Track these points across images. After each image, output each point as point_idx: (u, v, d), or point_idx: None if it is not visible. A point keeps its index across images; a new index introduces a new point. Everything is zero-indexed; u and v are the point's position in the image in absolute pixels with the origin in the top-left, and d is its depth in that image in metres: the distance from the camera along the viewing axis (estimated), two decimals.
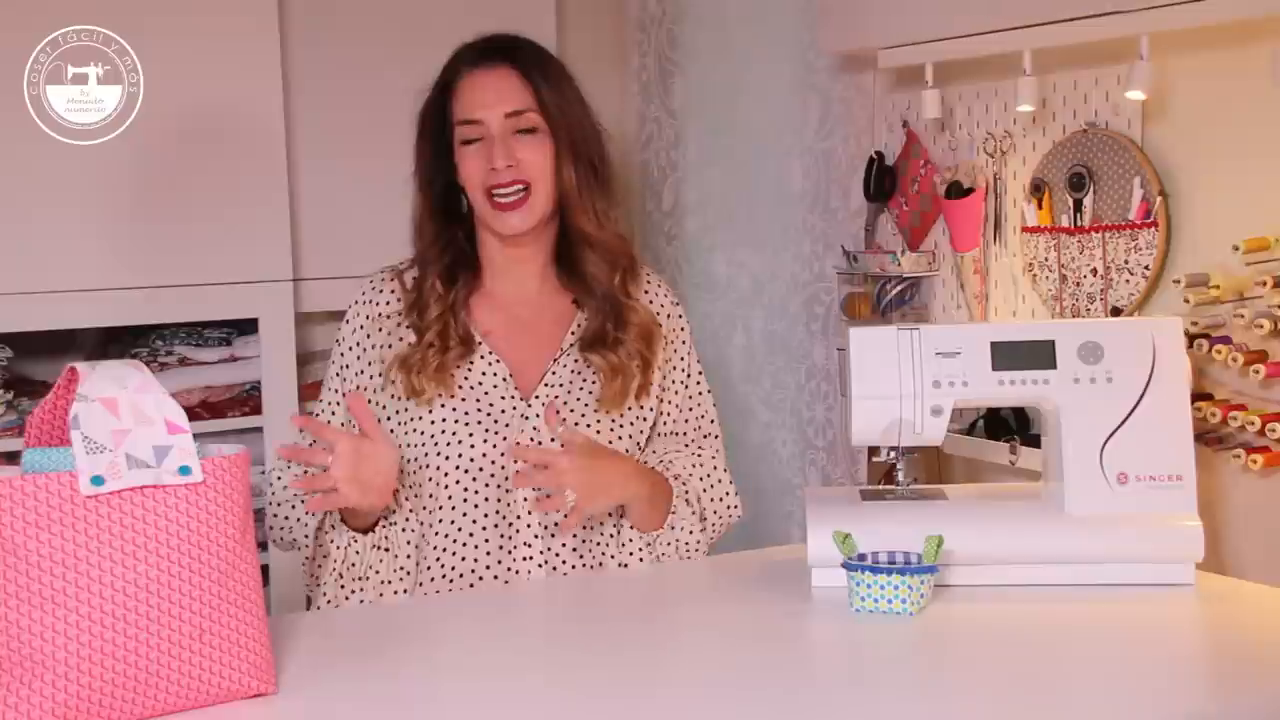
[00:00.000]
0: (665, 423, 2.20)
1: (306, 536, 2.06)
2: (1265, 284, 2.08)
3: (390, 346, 2.11)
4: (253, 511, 1.56)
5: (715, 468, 2.21)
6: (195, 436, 1.50)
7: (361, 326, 2.15)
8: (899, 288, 2.74)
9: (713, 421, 2.27)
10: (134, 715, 1.44)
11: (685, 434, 2.23)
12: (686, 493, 2.14)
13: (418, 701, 1.55)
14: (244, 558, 1.52)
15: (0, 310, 2.82)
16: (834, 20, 2.78)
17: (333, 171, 3.10)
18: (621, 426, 2.11)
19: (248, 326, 3.10)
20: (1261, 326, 2.10)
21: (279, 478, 2.12)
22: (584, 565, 2.08)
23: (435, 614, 1.90)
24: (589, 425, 2.09)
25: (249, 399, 3.11)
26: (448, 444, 2.06)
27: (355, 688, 1.59)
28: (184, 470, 1.47)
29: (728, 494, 2.21)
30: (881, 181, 2.83)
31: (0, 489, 1.39)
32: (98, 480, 1.42)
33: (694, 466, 2.18)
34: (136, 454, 1.45)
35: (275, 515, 2.12)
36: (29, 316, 2.86)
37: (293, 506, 2.09)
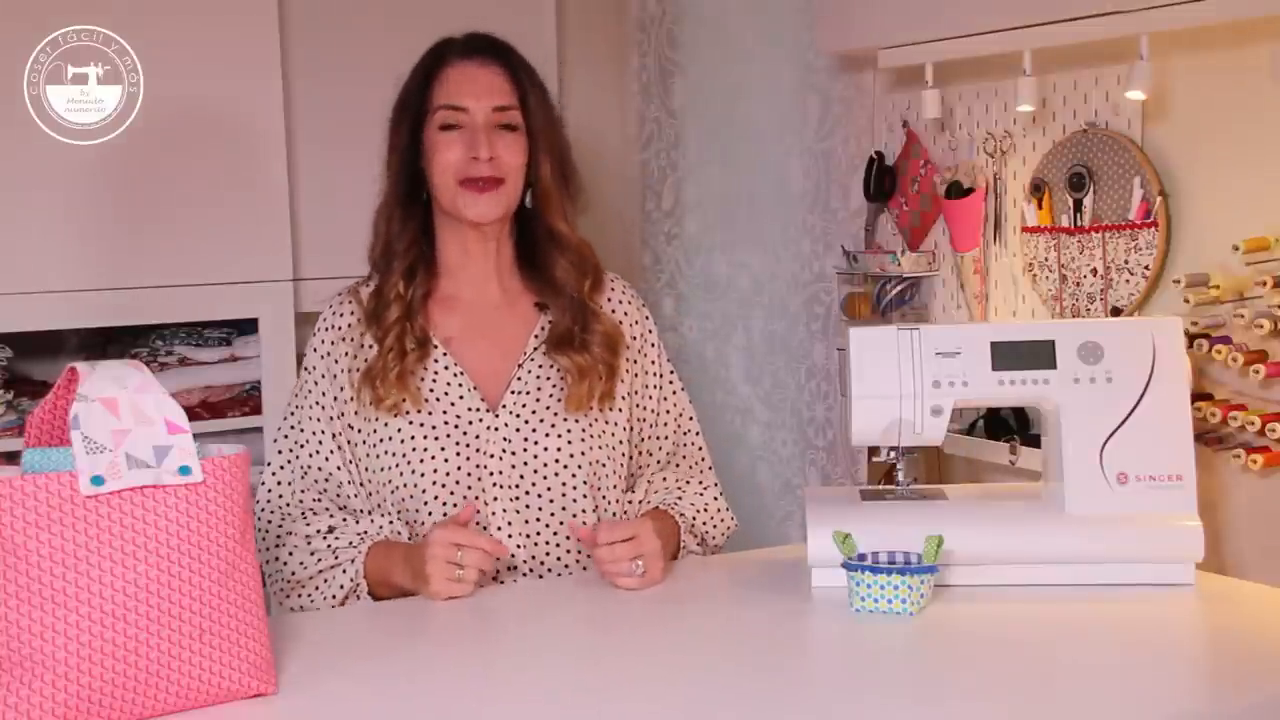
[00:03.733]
0: (645, 428, 2.20)
1: (331, 604, 2.03)
2: (1265, 284, 2.08)
3: (356, 370, 2.11)
4: (253, 512, 1.56)
5: (715, 497, 2.22)
6: (195, 436, 1.50)
7: (329, 353, 2.14)
8: (899, 288, 2.74)
9: (691, 419, 2.28)
10: (134, 715, 1.45)
11: (669, 437, 2.23)
12: (693, 526, 2.15)
13: (417, 702, 1.55)
14: (244, 558, 1.52)
15: (0, 310, 2.82)
16: (834, 20, 2.78)
17: (333, 171, 3.10)
18: (589, 434, 2.11)
19: (248, 326, 3.10)
20: (1261, 326, 2.10)
21: (291, 553, 2.05)
22: (570, 575, 2.08)
23: (435, 614, 1.90)
24: (559, 434, 2.08)
25: (249, 399, 3.11)
26: (420, 460, 2.05)
27: (355, 688, 1.59)
28: (184, 470, 1.47)
29: (724, 519, 2.22)
30: (881, 181, 2.83)
31: (0, 489, 1.39)
32: (98, 480, 1.42)
33: (697, 504, 2.17)
34: (136, 454, 1.45)
35: (302, 587, 2.04)
36: (29, 316, 2.86)
37: (325, 580, 2.03)
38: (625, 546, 1.95)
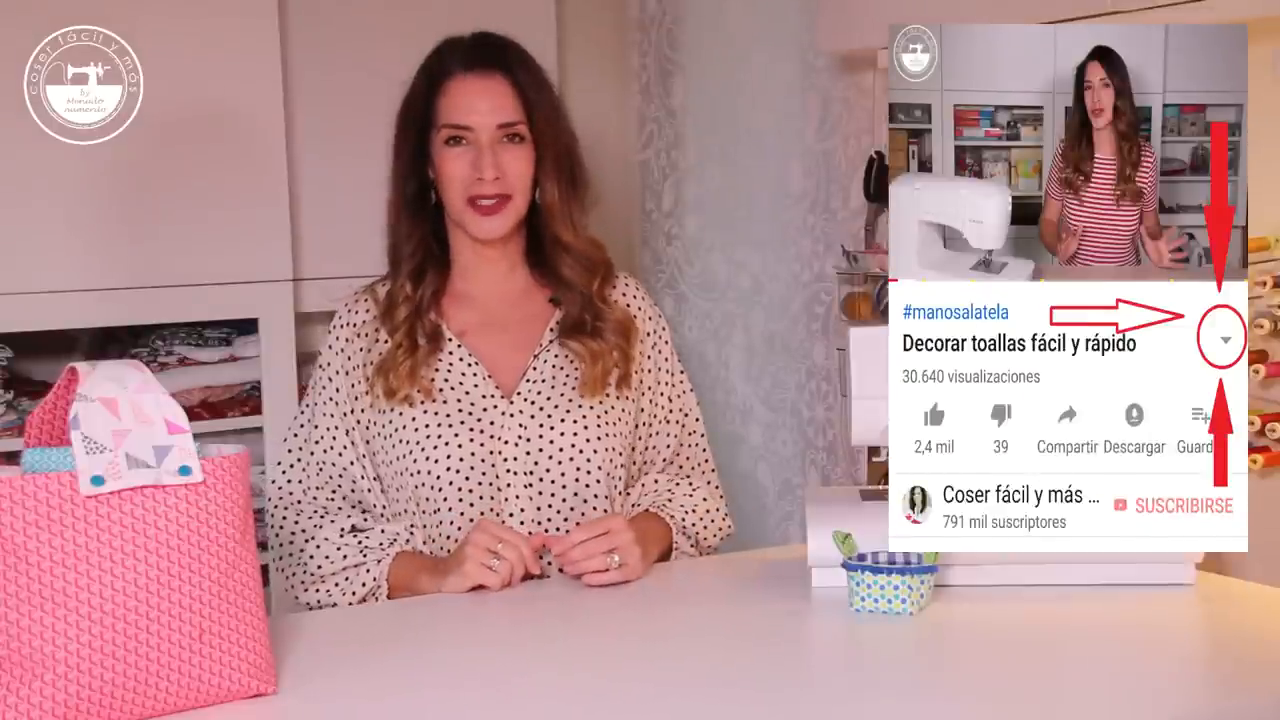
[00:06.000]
0: (653, 424, 2.21)
1: (350, 601, 2.04)
2: (1265, 284, 2.08)
3: (370, 364, 2.12)
4: (253, 511, 1.56)
5: (705, 498, 2.21)
6: (195, 436, 1.50)
7: (343, 350, 2.16)
8: None
9: (697, 420, 2.28)
10: (134, 715, 1.45)
11: (675, 435, 2.23)
12: (684, 528, 2.15)
13: (418, 702, 1.55)
14: (244, 558, 1.52)
15: (0, 310, 2.82)
16: (834, 20, 2.78)
17: (333, 171, 3.10)
18: (605, 420, 2.12)
19: (248, 326, 3.10)
20: (1262, 326, 2.10)
21: (319, 547, 2.06)
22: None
23: (435, 614, 1.90)
24: (574, 420, 2.10)
25: (249, 399, 3.11)
26: (434, 446, 2.07)
27: (355, 688, 1.59)
28: (184, 470, 1.47)
29: (716, 519, 2.21)
30: (881, 181, 2.83)
31: (0, 489, 1.40)
32: (98, 480, 1.42)
33: (687, 505, 2.17)
34: (136, 454, 1.45)
35: (323, 582, 2.05)
36: (29, 316, 2.86)
37: (346, 577, 2.04)
38: (598, 541, 1.95)
